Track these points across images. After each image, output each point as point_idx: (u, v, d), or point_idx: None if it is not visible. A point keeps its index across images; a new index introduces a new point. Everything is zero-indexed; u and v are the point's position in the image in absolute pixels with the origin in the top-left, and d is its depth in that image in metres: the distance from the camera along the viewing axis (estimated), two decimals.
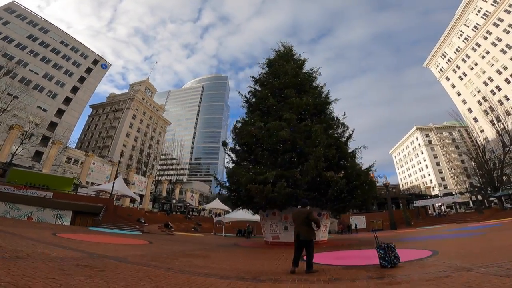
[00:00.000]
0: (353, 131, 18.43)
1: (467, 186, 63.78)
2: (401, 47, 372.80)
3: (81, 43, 66.14)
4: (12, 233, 9.48)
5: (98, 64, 67.82)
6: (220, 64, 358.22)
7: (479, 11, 61.04)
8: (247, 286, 4.52)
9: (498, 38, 57.89)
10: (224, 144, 18.65)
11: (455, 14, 67.74)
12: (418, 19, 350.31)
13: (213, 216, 62.87)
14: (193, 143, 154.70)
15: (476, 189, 51.51)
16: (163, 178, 67.52)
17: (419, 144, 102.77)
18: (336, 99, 19.44)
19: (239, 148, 18.85)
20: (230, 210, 62.71)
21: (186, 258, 8.30)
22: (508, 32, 55.03)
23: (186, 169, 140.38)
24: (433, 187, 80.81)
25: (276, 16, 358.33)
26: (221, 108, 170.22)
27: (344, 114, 18.77)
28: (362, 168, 16.53)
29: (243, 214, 35.33)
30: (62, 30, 63.48)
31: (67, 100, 58.20)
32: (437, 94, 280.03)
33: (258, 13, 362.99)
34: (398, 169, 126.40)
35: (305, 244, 6.11)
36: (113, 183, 28.26)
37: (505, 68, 58.37)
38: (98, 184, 40.84)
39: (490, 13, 58.04)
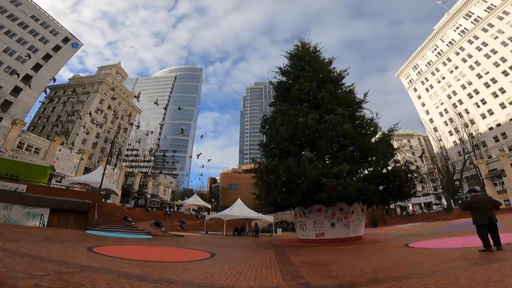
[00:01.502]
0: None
1: (421, 189, 69.74)
2: (366, 55, 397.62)
3: (53, 19, 59.47)
4: (21, 253, 6.49)
5: (69, 42, 61.30)
6: (190, 56, 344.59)
7: (457, 28, 66.54)
8: None
9: (469, 54, 63.66)
10: (262, 145, 18.10)
11: (433, 29, 73.12)
12: (386, 29, 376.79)
13: (193, 212, 59.42)
14: (160, 134, 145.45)
15: (441, 191, 56.79)
16: (137, 170, 61.66)
17: None
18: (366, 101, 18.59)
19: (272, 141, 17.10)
20: (210, 207, 60.05)
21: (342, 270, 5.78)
22: (480, 49, 60.79)
23: (151, 161, 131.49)
24: None
25: (254, 13, 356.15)
26: (193, 100, 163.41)
27: (377, 115, 17.94)
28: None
29: (244, 212, 33.55)
30: (36, 4, 56.99)
31: (27, 78, 50.88)
32: (392, 103, 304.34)
33: (236, 8, 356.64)
34: None
35: (494, 226, 6.63)
36: (103, 174, 23.95)
37: (470, 83, 64.61)
38: (68, 176, 35.11)
39: (467, 30, 63.54)
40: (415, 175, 15.29)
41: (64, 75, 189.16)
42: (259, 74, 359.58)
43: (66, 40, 61.17)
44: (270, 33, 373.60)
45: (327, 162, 14.44)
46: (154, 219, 37.90)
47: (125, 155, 74.81)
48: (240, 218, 33.27)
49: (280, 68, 20.05)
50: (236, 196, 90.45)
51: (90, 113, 60.46)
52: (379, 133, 16.78)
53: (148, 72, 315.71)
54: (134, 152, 76.15)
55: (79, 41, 64.08)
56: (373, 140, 16.40)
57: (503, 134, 57.37)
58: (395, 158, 16.41)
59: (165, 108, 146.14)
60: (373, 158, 14.75)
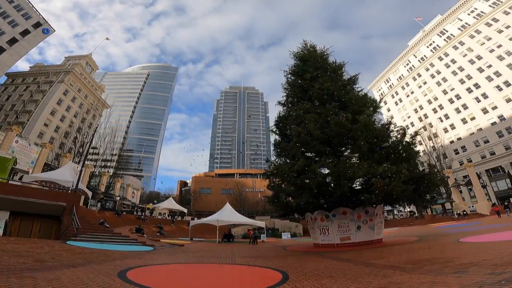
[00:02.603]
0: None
1: None
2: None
3: (29, 2, 53.90)
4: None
5: (40, 28, 55.75)
6: (163, 55, 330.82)
7: (430, 44, 71.97)
8: None
9: (438, 71, 69.10)
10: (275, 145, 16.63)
11: (408, 45, 78.46)
12: (358, 42, 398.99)
13: (166, 217, 55.02)
14: (126, 133, 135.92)
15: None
16: (105, 170, 55.80)
17: None
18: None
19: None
20: (186, 211, 56.26)
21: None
22: (448, 66, 66.25)
23: (114, 161, 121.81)
24: None
25: (234, 17, 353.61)
26: (166, 99, 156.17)
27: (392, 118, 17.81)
28: None
29: (236, 217, 31.26)
30: None
31: None
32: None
33: (217, 10, 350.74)
34: None
35: None
36: (80, 171, 20.15)
37: (436, 98, 70.05)
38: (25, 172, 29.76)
39: (439, 47, 68.95)
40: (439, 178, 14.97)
41: (20, 66, 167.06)
42: (232, 79, 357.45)
43: (37, 25, 55.61)
44: (247, 38, 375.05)
45: (368, 162, 13.34)
46: (128, 224, 34.02)
47: (88, 153, 67.81)
48: (228, 224, 30.94)
49: (292, 67, 19.51)
50: (209, 200, 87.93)
51: (53, 105, 53.57)
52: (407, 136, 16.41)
53: (114, 68, 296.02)
54: (97, 151, 69.51)
55: (51, 27, 58.07)
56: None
57: (463, 147, 62.60)
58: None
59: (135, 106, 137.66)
60: (407, 159, 14.34)
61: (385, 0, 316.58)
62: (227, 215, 29.27)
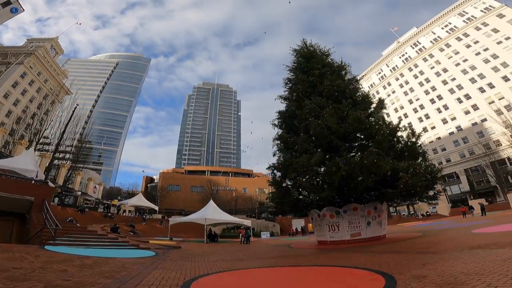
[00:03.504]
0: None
1: None
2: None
3: None
4: None
5: (9, 6, 50.46)
6: (133, 45, 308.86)
7: (403, 55, 76.80)
8: None
9: (407, 81, 74.20)
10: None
11: (382, 54, 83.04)
12: (331, 49, 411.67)
13: (133, 214, 50.91)
14: (86, 122, 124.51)
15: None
16: (63, 162, 50.00)
17: None
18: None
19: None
20: (157, 209, 52.73)
21: None
22: (416, 77, 71.39)
23: (72, 152, 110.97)
24: None
25: (213, 13, 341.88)
26: (134, 91, 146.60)
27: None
28: None
29: (222, 215, 29.60)
30: None
31: None
32: None
33: (196, 5, 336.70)
34: None
35: None
36: (51, 161, 17.00)
37: (402, 107, 75.23)
38: None
39: (411, 58, 73.85)
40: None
41: None
42: (204, 75, 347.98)
43: (7, 3, 49.90)
44: (224, 36, 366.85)
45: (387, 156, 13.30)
46: (95, 223, 30.59)
47: (42, 142, 60.79)
48: (216, 223, 29.22)
49: (294, 64, 19.25)
50: (177, 197, 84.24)
51: (7, 87, 46.64)
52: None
53: (76, 55, 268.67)
54: (53, 140, 62.52)
55: (21, 6, 52.11)
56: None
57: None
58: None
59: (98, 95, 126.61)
60: (417, 157, 14.77)
61: (363, 9, 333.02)
62: (213, 213, 27.58)
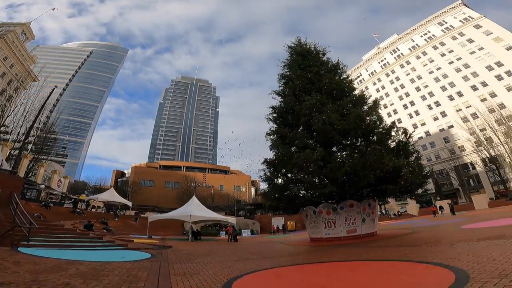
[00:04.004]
0: None
1: None
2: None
3: None
4: None
5: None
6: (109, 35, 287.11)
7: (382, 61, 79.79)
8: None
9: (383, 86, 77.37)
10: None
11: (362, 59, 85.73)
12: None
13: (110, 210, 47.62)
14: (51, 112, 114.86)
15: None
16: (26, 152, 45.32)
17: None
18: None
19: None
20: (130, 205, 49.80)
21: None
22: (392, 82, 74.72)
23: (34, 143, 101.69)
24: None
25: (198, 6, 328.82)
26: (108, 81, 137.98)
27: None
28: None
29: (207, 212, 28.37)
30: None
31: None
32: None
33: None
34: None
35: None
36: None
37: None
38: None
39: (389, 64, 76.92)
40: None
41: None
42: (183, 69, 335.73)
43: None
44: (207, 31, 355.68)
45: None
46: (62, 218, 28.01)
47: (3, 131, 54.99)
48: (200, 220, 27.97)
49: (289, 61, 19.22)
50: (151, 193, 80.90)
51: None
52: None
53: (45, 42, 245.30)
54: (12, 129, 56.77)
55: None
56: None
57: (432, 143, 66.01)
58: None
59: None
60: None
61: (347, 13, 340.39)
62: (198, 210, 26.37)
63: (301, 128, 15.38)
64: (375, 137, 14.84)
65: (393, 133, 15.73)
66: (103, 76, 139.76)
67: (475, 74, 57.97)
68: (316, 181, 12.74)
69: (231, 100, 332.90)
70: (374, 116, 15.60)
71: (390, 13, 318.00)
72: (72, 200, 43.09)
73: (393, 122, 16.86)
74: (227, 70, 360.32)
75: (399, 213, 52.25)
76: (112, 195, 45.56)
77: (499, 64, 56.67)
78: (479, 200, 41.25)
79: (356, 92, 18.46)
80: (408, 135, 16.00)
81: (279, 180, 16.55)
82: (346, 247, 10.50)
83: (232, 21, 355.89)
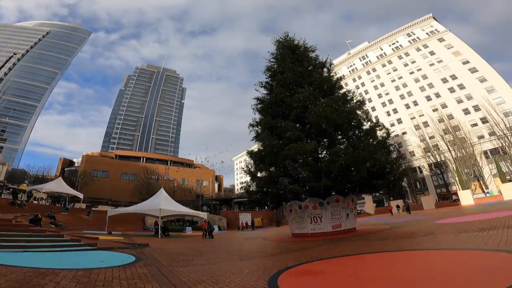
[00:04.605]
0: None
1: None
2: (256, 70, 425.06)
3: None
4: None
5: None
6: (70, 16, 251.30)
7: (350, 66, 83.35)
8: None
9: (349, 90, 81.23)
10: None
11: (333, 63, 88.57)
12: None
13: (56, 203, 42.14)
14: None
15: None
16: None
17: None
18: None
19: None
20: (82, 196, 44.78)
21: None
22: (358, 87, 78.41)
23: None
24: None
25: None
26: (62, 62, 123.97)
27: None
28: None
29: (177, 206, 26.34)
30: None
31: None
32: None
33: None
34: (237, 174, 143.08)
35: None
36: None
37: None
38: None
39: (357, 69, 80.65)
40: None
41: None
42: (148, 57, 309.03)
43: None
44: (180, 20, 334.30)
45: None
46: (0, 211, 23.82)
47: None
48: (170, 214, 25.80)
49: (277, 55, 18.95)
50: (104, 185, 74.61)
51: None
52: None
53: None
54: None
55: None
56: None
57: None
58: None
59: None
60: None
61: (322, 18, 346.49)
62: (167, 203, 24.37)
63: (293, 121, 14.87)
64: (362, 133, 14.97)
65: (378, 130, 16.07)
66: (57, 57, 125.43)
67: (431, 85, 63.85)
68: (310, 174, 12.27)
69: (196, 93, 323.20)
70: (362, 113, 15.77)
71: (363, 20, 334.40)
72: (11, 190, 37.22)
73: (378, 120, 17.20)
74: (196, 62, 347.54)
75: (359, 211, 55.34)
76: (60, 186, 40.53)
77: (454, 77, 63.13)
78: (427, 201, 45.46)
79: (345, 89, 18.50)
80: (388, 134, 16.56)
81: (263, 173, 15.92)
82: (341, 241, 10.26)
83: (208, 13, 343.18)
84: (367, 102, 66.76)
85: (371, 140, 15.25)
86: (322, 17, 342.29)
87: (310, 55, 18.96)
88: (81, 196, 43.00)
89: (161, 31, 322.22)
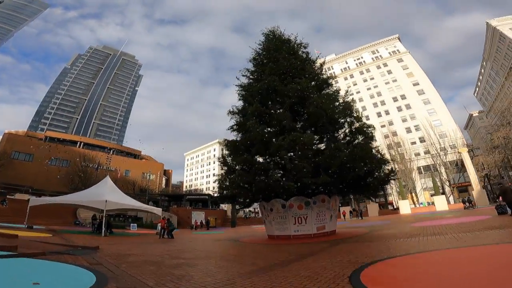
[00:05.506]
0: None
1: None
2: (221, 68, 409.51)
3: None
4: None
5: None
6: None
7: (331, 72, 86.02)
8: None
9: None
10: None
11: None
12: (248, 51, 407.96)
13: None
14: None
15: None
16: None
17: (214, 155, 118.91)
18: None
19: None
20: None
21: None
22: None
23: None
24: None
25: None
26: (4, 33, 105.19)
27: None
28: None
29: (126, 199, 22.27)
30: None
31: None
32: (218, 115, 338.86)
33: None
34: (187, 171, 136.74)
35: None
36: None
37: None
38: None
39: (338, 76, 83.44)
40: None
41: None
42: (105, 39, 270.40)
43: None
44: (151, 6, 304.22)
45: None
46: None
47: None
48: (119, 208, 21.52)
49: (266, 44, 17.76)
50: (27, 170, 63.34)
51: None
52: None
53: None
54: None
55: None
56: None
57: None
58: None
59: None
60: None
61: (293, 26, 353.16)
62: (114, 195, 20.40)
63: (285, 110, 13.43)
64: (355, 130, 14.35)
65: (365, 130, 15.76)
66: (0, 27, 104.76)
67: (383, 103, 69.58)
68: (309, 168, 10.91)
69: (152, 82, 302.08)
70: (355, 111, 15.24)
71: (331, 34, 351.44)
72: None
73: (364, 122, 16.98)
74: (157, 51, 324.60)
75: None
76: None
77: (403, 97, 69.64)
78: (372, 209, 48.91)
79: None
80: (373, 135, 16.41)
81: (242, 166, 14.10)
82: (337, 244, 9.03)
83: (183, 3, 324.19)
84: None
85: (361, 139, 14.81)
86: (293, 25, 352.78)
87: (301, 51, 18.10)
88: None
89: (127, 14, 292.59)
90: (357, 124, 14.34)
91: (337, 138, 13.93)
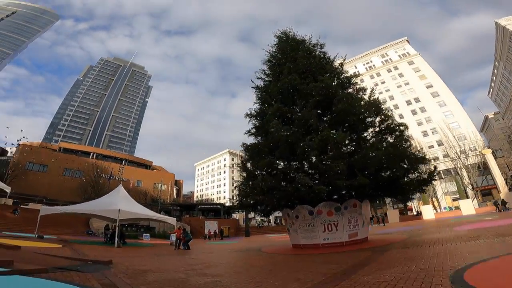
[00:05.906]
0: None
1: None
2: (227, 77, 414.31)
3: None
4: None
5: None
6: (40, 1, 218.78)
7: None
8: None
9: None
10: None
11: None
12: (253, 61, 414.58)
13: None
14: None
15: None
16: None
17: (224, 165, 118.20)
18: None
19: None
20: (9, 191, 36.28)
21: None
22: None
23: None
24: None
25: None
26: (18, 44, 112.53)
27: None
28: None
29: (138, 208, 21.60)
30: None
31: None
32: (228, 126, 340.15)
33: None
34: (198, 181, 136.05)
35: None
36: None
37: None
38: None
39: None
40: None
41: None
42: (115, 51, 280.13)
43: None
44: (158, 17, 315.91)
45: None
46: None
47: None
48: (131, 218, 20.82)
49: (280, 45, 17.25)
50: (41, 180, 63.53)
51: None
52: None
53: None
54: None
55: None
56: None
57: None
58: None
59: None
60: None
61: (300, 33, 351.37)
62: (127, 204, 19.73)
63: (308, 109, 12.50)
64: (385, 129, 13.24)
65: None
66: (14, 38, 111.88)
67: (396, 107, 67.57)
68: (345, 169, 9.89)
69: (161, 94, 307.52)
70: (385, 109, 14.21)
71: (335, 40, 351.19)
72: None
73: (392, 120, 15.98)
74: (165, 61, 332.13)
75: None
76: None
77: (417, 100, 67.60)
78: (392, 215, 46.84)
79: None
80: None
81: (263, 172, 13.16)
82: (383, 252, 7.86)
83: (188, 13, 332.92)
84: None
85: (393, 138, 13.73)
86: (298, 32, 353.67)
87: (320, 50, 17.32)
88: (8, 189, 34.80)
89: (135, 25, 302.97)
90: (387, 122, 13.28)
91: (366, 138, 12.86)
